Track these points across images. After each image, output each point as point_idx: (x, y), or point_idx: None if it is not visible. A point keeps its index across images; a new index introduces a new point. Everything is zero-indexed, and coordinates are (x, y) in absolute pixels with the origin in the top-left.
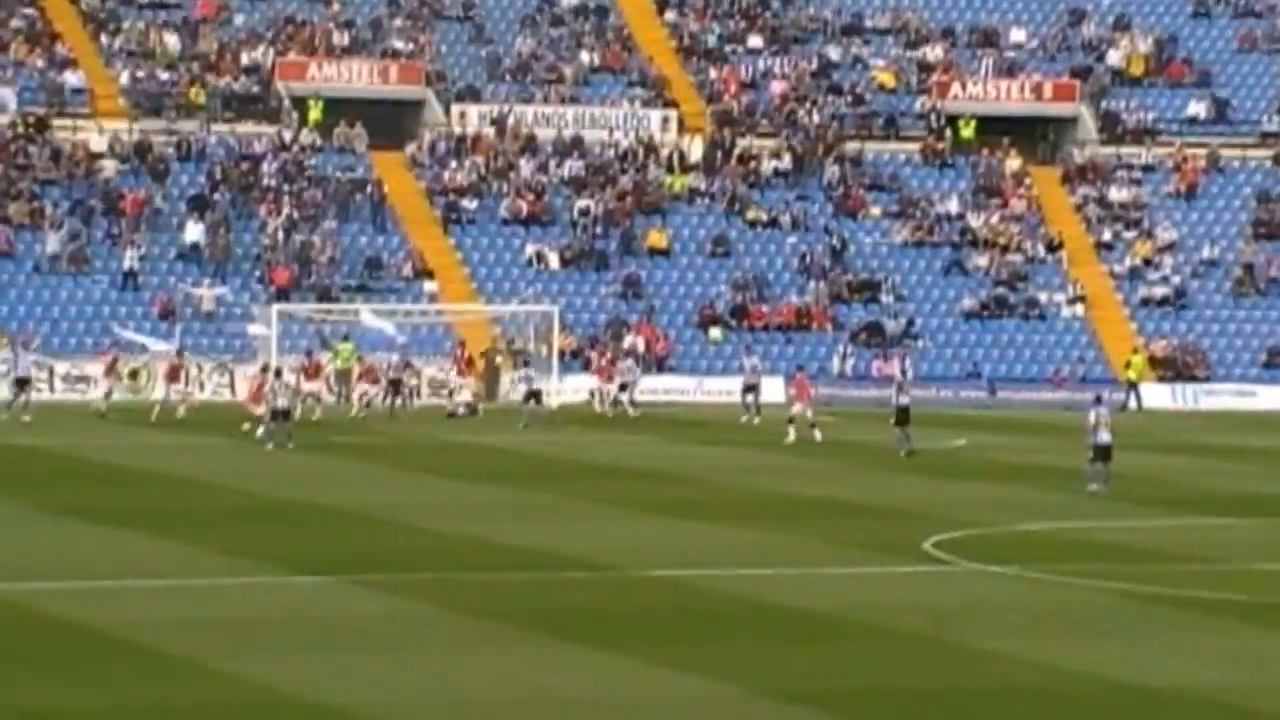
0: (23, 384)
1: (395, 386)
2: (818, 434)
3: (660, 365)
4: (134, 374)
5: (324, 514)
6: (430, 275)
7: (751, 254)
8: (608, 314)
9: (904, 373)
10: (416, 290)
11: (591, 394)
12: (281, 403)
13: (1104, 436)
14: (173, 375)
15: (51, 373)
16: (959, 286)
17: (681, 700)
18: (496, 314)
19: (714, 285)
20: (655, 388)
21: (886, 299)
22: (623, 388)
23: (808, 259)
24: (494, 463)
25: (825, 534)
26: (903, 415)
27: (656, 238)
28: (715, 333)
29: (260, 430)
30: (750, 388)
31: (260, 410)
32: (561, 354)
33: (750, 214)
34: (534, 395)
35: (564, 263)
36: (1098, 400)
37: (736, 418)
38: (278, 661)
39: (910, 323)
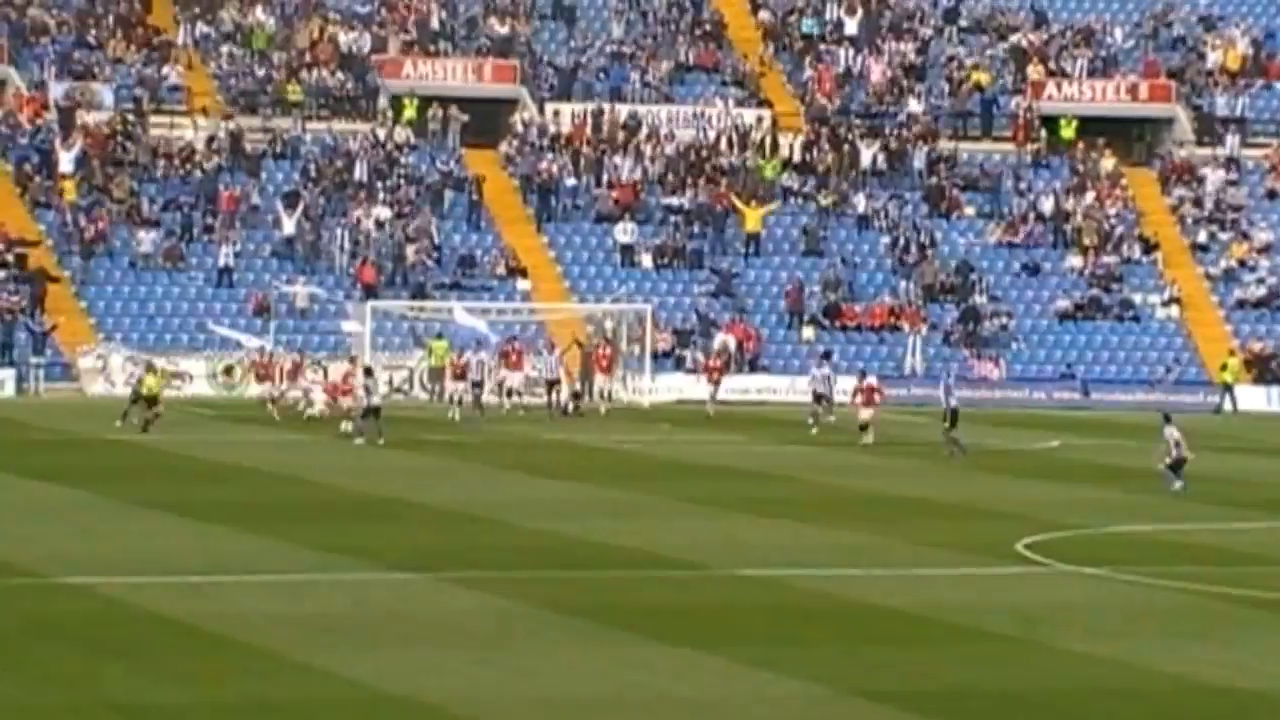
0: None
1: (497, 385)
2: (863, 436)
3: (752, 364)
4: (228, 370)
5: (416, 511)
6: (523, 273)
7: (844, 252)
8: (700, 312)
9: (950, 374)
10: (509, 288)
11: (713, 396)
12: (375, 400)
13: (1178, 453)
14: (295, 374)
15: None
16: (1053, 287)
17: (770, 699)
18: (589, 312)
19: (807, 284)
20: (747, 386)
21: (979, 299)
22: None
23: (900, 258)
24: (585, 461)
25: (916, 534)
26: (953, 418)
27: (753, 217)
28: (808, 331)
29: (348, 425)
30: (819, 397)
31: (347, 404)
32: (654, 353)
33: (843, 212)
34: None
35: (656, 261)
36: (1167, 419)
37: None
38: (369, 657)
39: (1004, 323)
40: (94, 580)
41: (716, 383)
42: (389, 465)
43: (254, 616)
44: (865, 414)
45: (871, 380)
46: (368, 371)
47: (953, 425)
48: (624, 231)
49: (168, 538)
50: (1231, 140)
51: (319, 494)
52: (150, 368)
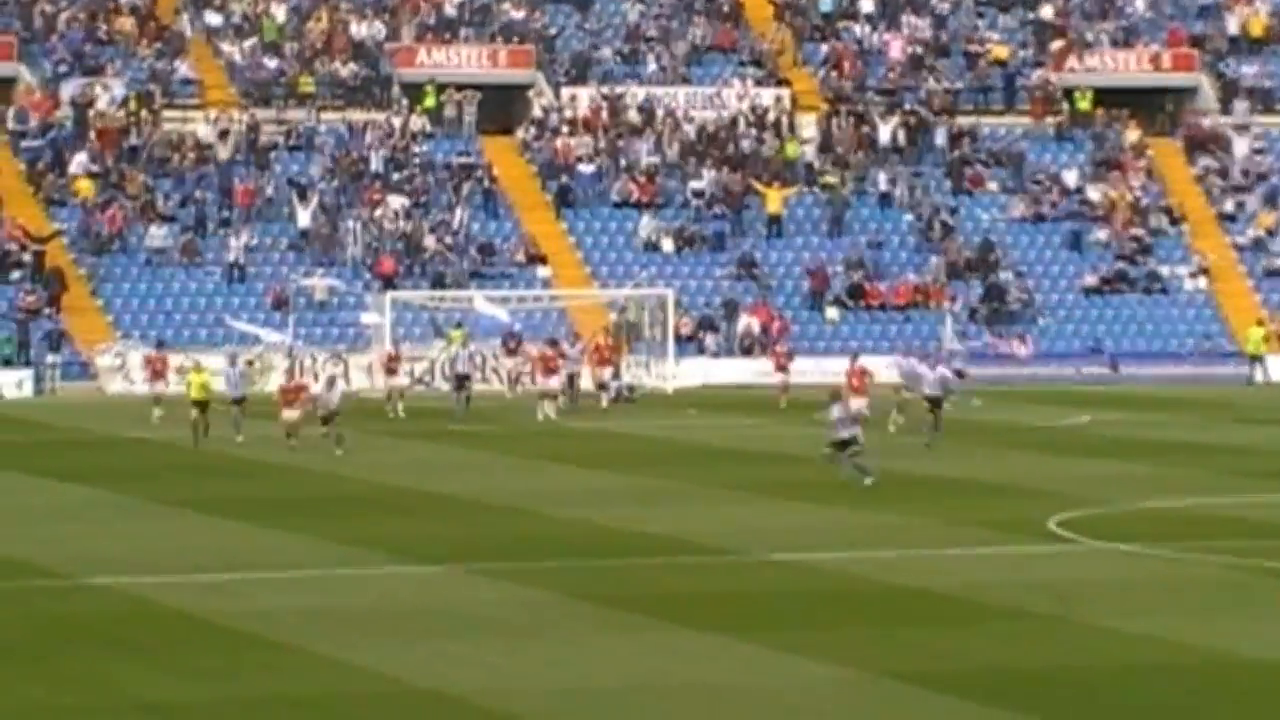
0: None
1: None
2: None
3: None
4: (250, 364)
5: (441, 502)
6: (543, 260)
7: (867, 232)
8: (722, 295)
9: (947, 353)
10: (530, 276)
11: (784, 388)
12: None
13: (843, 433)
14: (391, 368)
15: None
16: (1079, 262)
17: (804, 684)
18: (611, 298)
19: (830, 265)
20: (771, 369)
21: (1004, 275)
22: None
23: (924, 235)
24: (611, 448)
25: (947, 514)
26: (935, 402)
27: (774, 199)
28: (832, 312)
29: (294, 437)
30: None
31: (291, 416)
32: (677, 337)
33: (865, 190)
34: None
35: (678, 245)
36: (836, 397)
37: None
38: (396, 651)
39: (1030, 299)
40: (116, 580)
41: (785, 369)
42: (411, 458)
43: (278, 612)
44: (858, 404)
45: (860, 366)
46: (330, 380)
47: (930, 405)
48: (644, 216)
49: (189, 535)
50: (1240, 106)
51: (341, 488)
52: (197, 366)
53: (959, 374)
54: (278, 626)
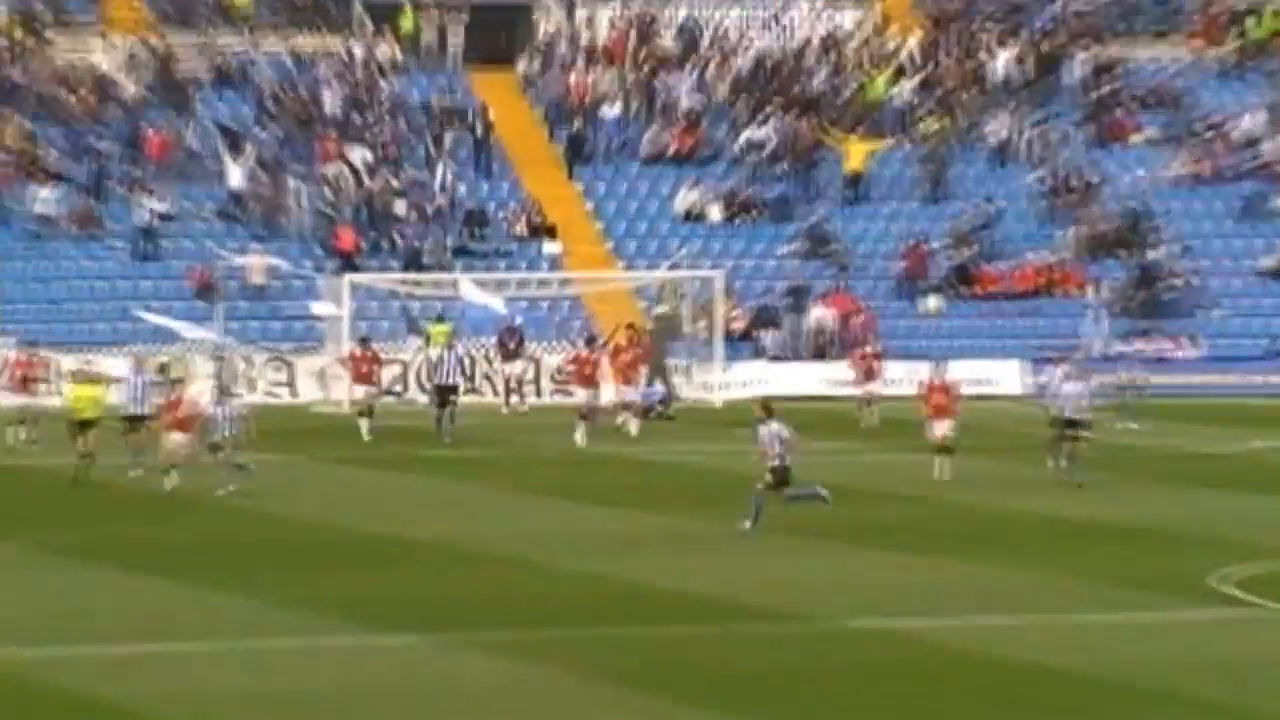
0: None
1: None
2: (940, 465)
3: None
4: (163, 369)
5: (418, 551)
6: (551, 232)
7: (978, 196)
8: (787, 279)
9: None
10: (533, 253)
11: (865, 403)
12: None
13: (781, 461)
14: (363, 374)
15: (54, 370)
16: (1257, 236)
17: None
18: (640, 283)
19: (930, 240)
20: (849, 377)
21: (1159, 253)
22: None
23: (1054, 201)
24: (638, 480)
25: (1081, 568)
26: (1070, 425)
27: (856, 153)
28: (932, 302)
29: (170, 474)
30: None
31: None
32: (726, 334)
33: (975, 141)
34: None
35: (728, 214)
36: (768, 413)
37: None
38: None
39: (1194, 285)
40: None
41: (871, 377)
42: (379, 492)
43: (211, 696)
44: (944, 428)
45: (944, 382)
46: (223, 391)
47: (1071, 430)
48: (684, 175)
49: (87, 595)
50: None
51: (290, 532)
52: (88, 376)
53: (1135, 386)
54: (207, 713)
